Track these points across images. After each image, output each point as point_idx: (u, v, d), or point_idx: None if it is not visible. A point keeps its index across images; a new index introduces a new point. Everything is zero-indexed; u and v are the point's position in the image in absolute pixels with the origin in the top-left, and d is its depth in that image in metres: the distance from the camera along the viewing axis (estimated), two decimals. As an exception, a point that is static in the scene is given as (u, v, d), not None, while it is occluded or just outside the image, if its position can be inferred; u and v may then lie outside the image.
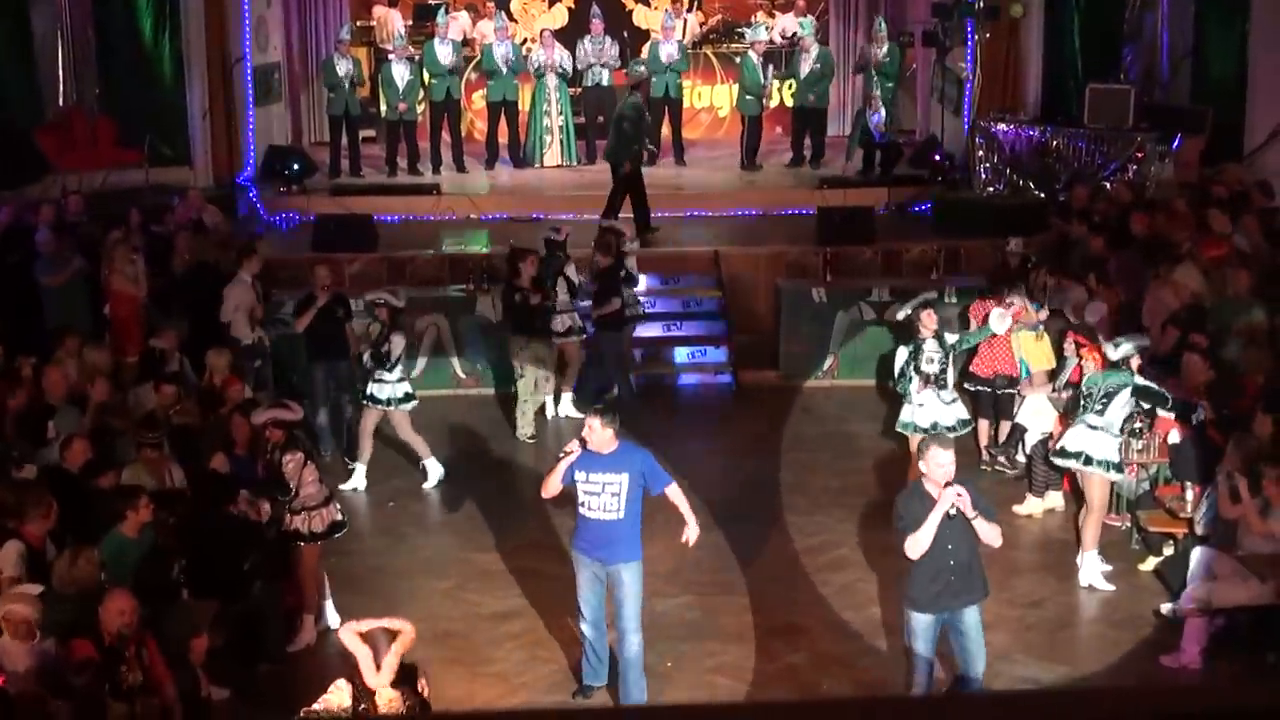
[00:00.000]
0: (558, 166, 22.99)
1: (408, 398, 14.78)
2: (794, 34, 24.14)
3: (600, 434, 10.32)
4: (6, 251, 16.52)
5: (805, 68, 22.35)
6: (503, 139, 22.97)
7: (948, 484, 9.64)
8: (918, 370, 13.58)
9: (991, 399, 14.98)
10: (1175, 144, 20.23)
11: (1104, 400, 12.50)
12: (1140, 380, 12.64)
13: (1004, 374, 14.77)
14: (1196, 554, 11.50)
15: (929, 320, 13.71)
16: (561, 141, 23.03)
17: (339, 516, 11.97)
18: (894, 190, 21.01)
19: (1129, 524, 13.36)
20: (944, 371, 13.71)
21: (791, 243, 19.35)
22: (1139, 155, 20.05)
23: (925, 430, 13.24)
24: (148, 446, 12.01)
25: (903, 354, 13.76)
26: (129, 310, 16.14)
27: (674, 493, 10.57)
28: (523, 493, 14.46)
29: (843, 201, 20.13)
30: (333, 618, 11.97)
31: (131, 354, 15.38)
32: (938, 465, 9.66)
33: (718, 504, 14.19)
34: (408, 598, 12.52)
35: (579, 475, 10.36)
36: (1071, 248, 17.21)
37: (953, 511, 9.62)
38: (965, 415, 14.03)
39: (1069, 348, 14.06)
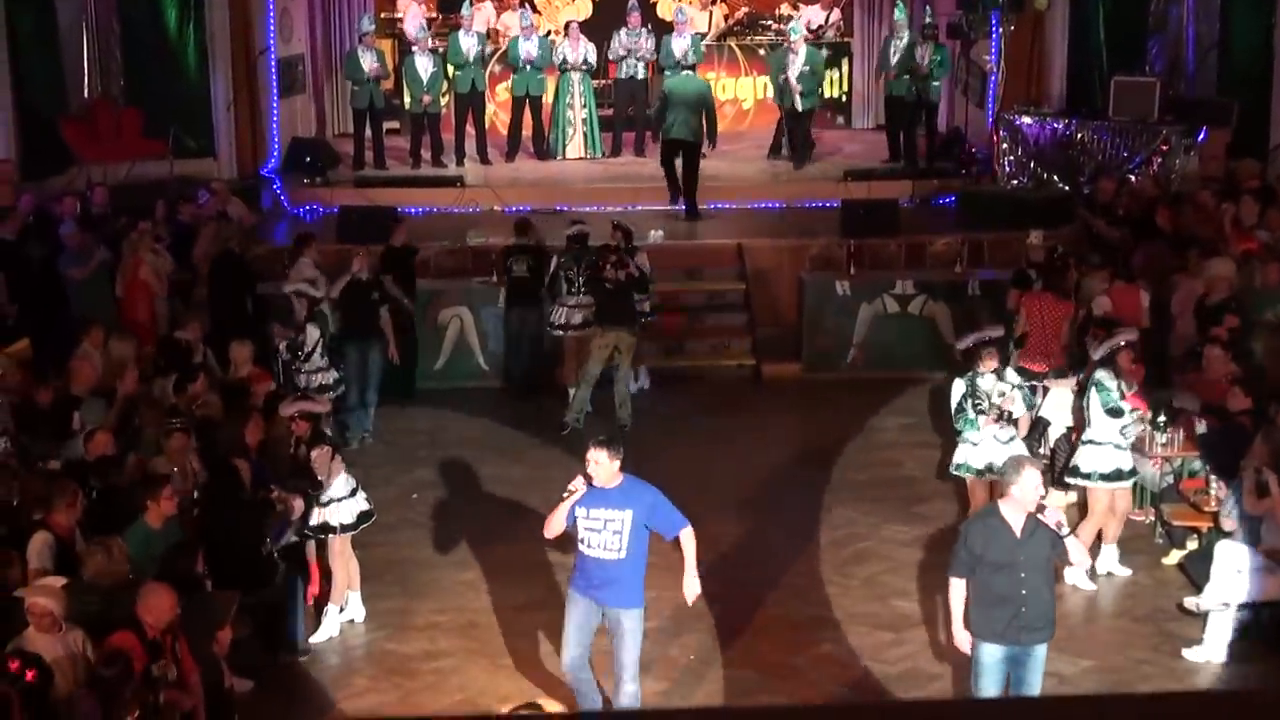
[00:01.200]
0: (581, 159, 22.98)
1: (323, 389, 14.82)
2: (819, 26, 24.08)
3: (607, 467, 9.70)
4: (31, 244, 16.56)
5: (794, 70, 21.70)
6: (526, 131, 22.95)
7: (1040, 504, 9.32)
8: (978, 408, 12.61)
9: (1044, 392, 14.85)
10: (1200, 137, 20.17)
11: (1092, 411, 12.51)
12: (1098, 376, 12.52)
13: (1057, 367, 14.67)
14: (1221, 548, 11.47)
15: (990, 360, 12.75)
16: (585, 134, 23.02)
17: (366, 506, 12.01)
18: (918, 183, 20.98)
19: (1153, 518, 13.32)
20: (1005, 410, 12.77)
21: (815, 235, 19.33)
22: (1164, 148, 20.00)
23: (980, 471, 12.68)
24: (177, 432, 12.03)
25: (959, 390, 12.77)
26: (147, 302, 16.20)
27: (687, 537, 9.95)
28: (546, 485, 14.45)
29: (867, 194, 20.14)
30: (358, 610, 12.00)
31: (147, 345, 15.42)
32: (1033, 488, 9.29)
33: (741, 497, 14.21)
34: (432, 589, 12.56)
35: (579, 511, 9.78)
36: (1098, 240, 17.18)
37: (1063, 531, 9.34)
38: (1023, 453, 13.20)
39: (1089, 342, 14.04)
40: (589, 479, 9.73)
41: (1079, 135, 20.60)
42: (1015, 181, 20.74)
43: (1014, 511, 9.32)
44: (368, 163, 22.17)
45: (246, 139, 21.68)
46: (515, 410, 16.81)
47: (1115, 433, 12.40)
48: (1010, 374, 12.95)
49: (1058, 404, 14.03)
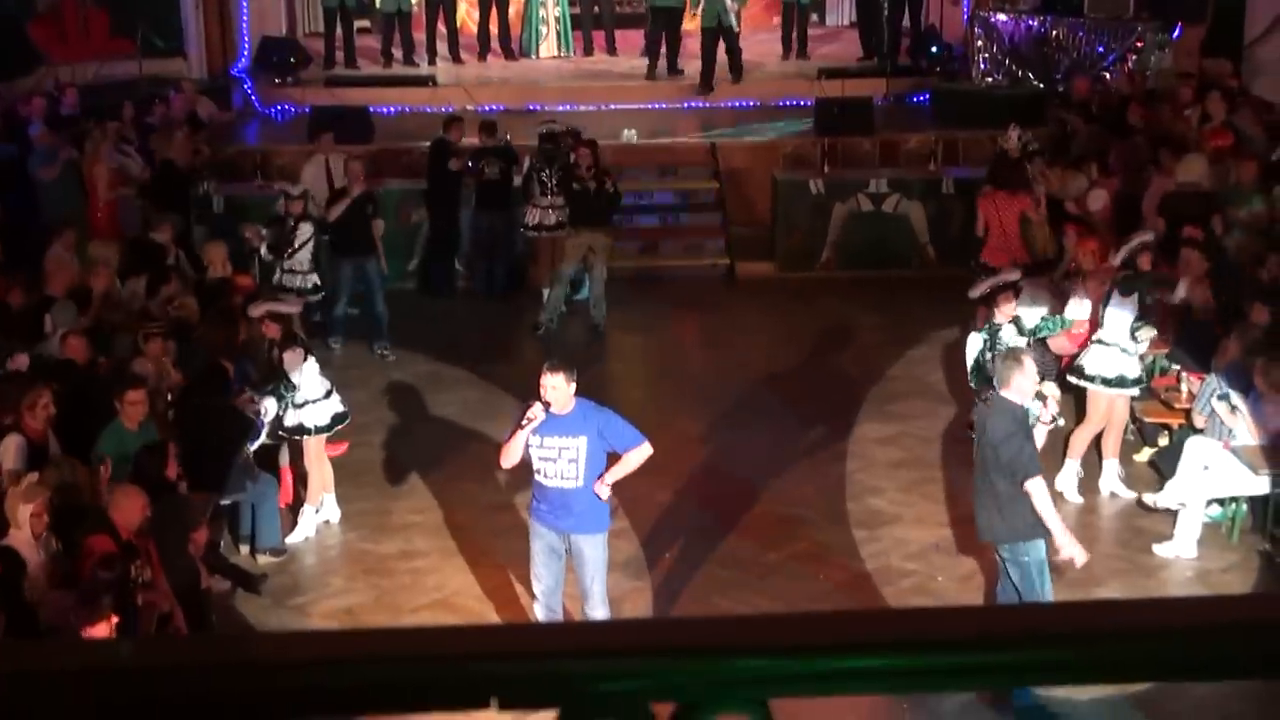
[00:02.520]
0: (554, 57, 22.84)
1: (301, 292, 14.79)
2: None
3: (564, 391, 9.24)
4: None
5: None
6: (494, 28, 22.77)
7: (1040, 393, 9.40)
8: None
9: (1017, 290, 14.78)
10: (1175, 33, 20.11)
11: (1101, 315, 12.31)
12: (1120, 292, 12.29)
13: (1020, 261, 14.69)
14: (1191, 444, 11.54)
15: (1006, 305, 11.55)
16: (558, 32, 22.87)
17: (341, 409, 12.00)
18: (892, 81, 20.89)
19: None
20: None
21: (789, 134, 19.27)
22: (1138, 45, 19.94)
23: None
24: (155, 335, 11.99)
25: (976, 343, 11.54)
26: (101, 203, 16.12)
27: (636, 453, 9.45)
28: (521, 387, 14.48)
29: (841, 92, 20.06)
30: (333, 511, 12.02)
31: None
32: (1035, 377, 9.44)
33: (715, 397, 14.25)
34: (409, 489, 12.59)
35: (532, 440, 9.32)
36: (1072, 138, 17.16)
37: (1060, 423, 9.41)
38: (1056, 410, 11.72)
39: (1068, 239, 14.06)
40: (546, 405, 9.21)
41: (1054, 32, 20.52)
42: (990, 79, 20.68)
43: (1019, 400, 9.33)
44: (338, 62, 21.99)
45: (216, 38, 21.49)
46: (489, 312, 16.80)
47: (1126, 336, 12.16)
48: (1026, 320, 11.81)
49: (1031, 299, 14.04)
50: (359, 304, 15.81)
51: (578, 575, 9.69)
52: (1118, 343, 12.23)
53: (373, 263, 15.61)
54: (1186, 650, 1.79)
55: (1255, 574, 11.06)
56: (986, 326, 11.56)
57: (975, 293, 12.16)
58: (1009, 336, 11.39)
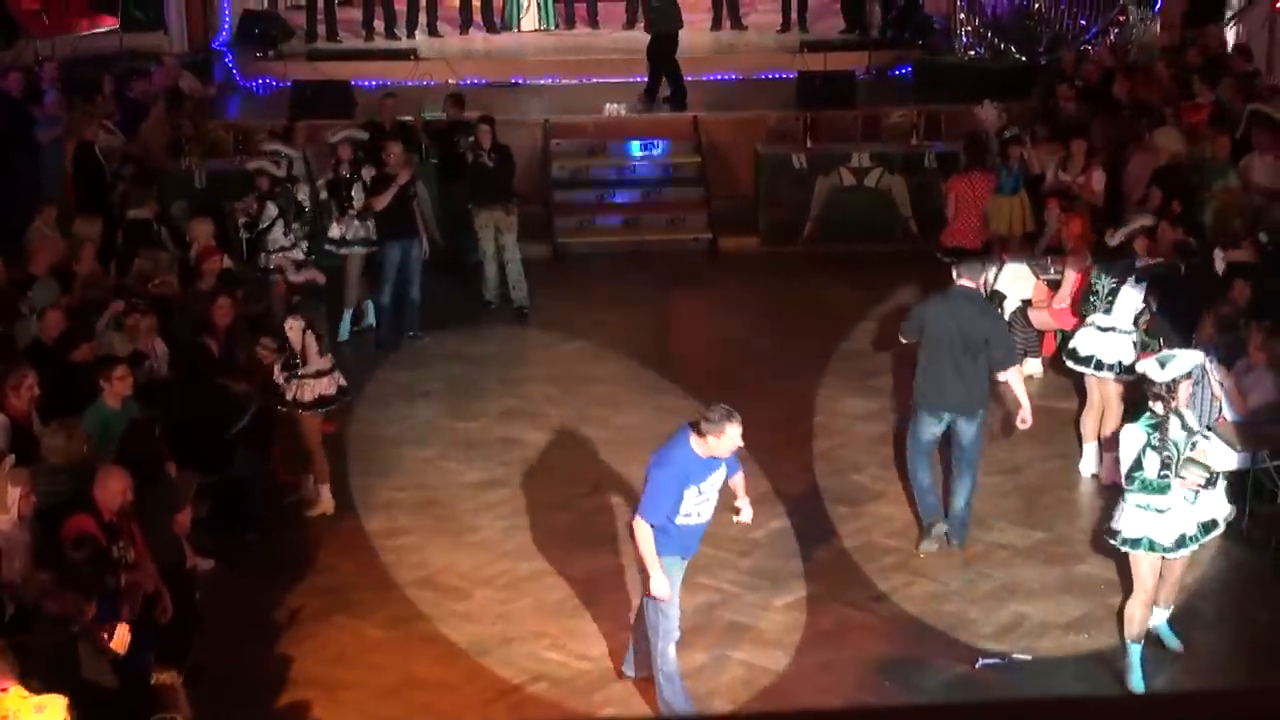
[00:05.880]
0: (536, 31, 22.79)
1: (298, 267, 14.74)
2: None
3: (737, 441, 8.94)
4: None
5: None
6: (476, 1, 22.72)
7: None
8: (1169, 464, 9.29)
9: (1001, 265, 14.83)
10: (1157, 5, 20.13)
11: (1109, 299, 12.09)
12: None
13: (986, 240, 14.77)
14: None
15: (1185, 393, 9.51)
16: (539, 5, 22.81)
17: (343, 383, 11.96)
18: (875, 54, 20.89)
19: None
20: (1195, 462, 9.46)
21: (772, 108, 19.28)
22: (1121, 18, 19.96)
23: (1169, 549, 9.54)
24: (136, 313, 11.95)
25: (1138, 437, 9.38)
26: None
27: (739, 479, 9.44)
28: (502, 361, 14.56)
29: (823, 66, 20.06)
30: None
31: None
32: None
33: (696, 371, 14.26)
34: (392, 466, 12.60)
35: (689, 492, 8.88)
36: (1056, 113, 17.17)
37: None
38: (1218, 515, 9.76)
39: (1050, 214, 14.10)
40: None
41: (1036, 5, 20.55)
42: (972, 52, 20.69)
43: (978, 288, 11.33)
44: (320, 35, 21.91)
45: (197, 11, 21.41)
46: (471, 288, 16.72)
47: (1130, 322, 11.97)
48: (1190, 415, 9.72)
49: (1013, 277, 14.10)
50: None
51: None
52: (1120, 327, 12.05)
53: (417, 246, 15.37)
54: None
55: (1233, 550, 11.10)
56: (1150, 418, 9.41)
57: (1162, 379, 9.43)
58: (1177, 434, 9.38)
